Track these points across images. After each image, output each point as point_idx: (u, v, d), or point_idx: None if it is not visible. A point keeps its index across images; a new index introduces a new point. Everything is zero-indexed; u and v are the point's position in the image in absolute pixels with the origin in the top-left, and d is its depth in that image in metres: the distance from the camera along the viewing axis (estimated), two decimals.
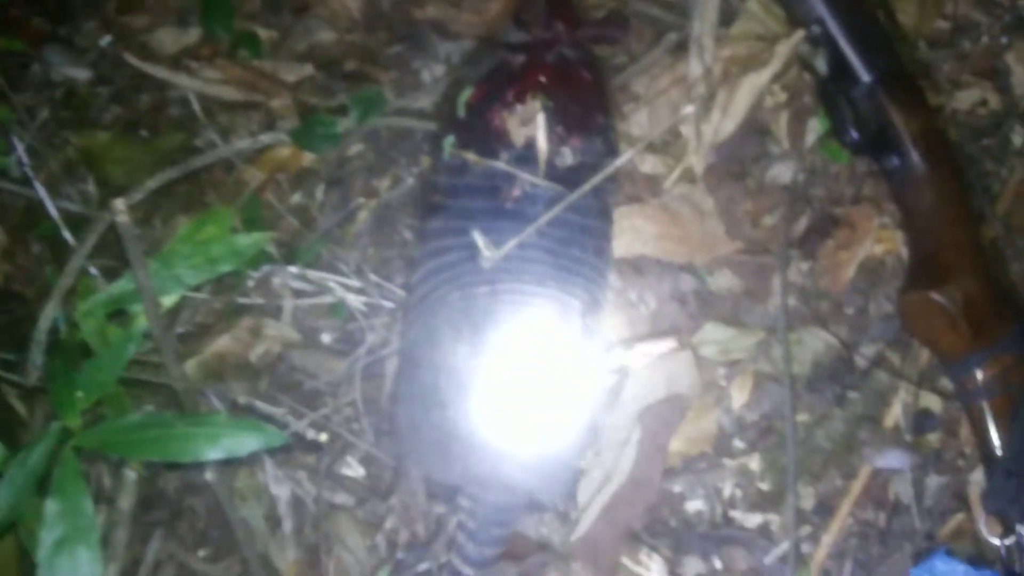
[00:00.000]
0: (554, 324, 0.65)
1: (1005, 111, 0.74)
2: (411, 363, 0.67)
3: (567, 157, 0.68)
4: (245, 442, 0.53)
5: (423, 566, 0.71)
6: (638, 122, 0.78)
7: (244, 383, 0.75)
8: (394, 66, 0.84)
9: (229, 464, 0.71)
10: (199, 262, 0.61)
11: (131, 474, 0.72)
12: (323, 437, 0.54)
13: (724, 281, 0.74)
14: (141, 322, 0.59)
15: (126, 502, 0.72)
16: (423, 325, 0.66)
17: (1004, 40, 0.75)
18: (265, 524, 0.74)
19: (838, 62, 0.67)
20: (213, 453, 0.53)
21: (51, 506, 0.52)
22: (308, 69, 0.85)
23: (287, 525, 0.74)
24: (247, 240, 0.60)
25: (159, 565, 0.75)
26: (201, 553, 0.75)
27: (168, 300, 0.62)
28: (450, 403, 0.64)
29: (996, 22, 0.76)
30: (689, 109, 0.72)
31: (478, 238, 0.65)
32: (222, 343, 0.75)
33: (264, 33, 0.88)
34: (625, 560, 0.68)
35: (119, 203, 0.56)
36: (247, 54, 0.84)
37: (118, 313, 0.65)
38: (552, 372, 0.65)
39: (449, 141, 0.69)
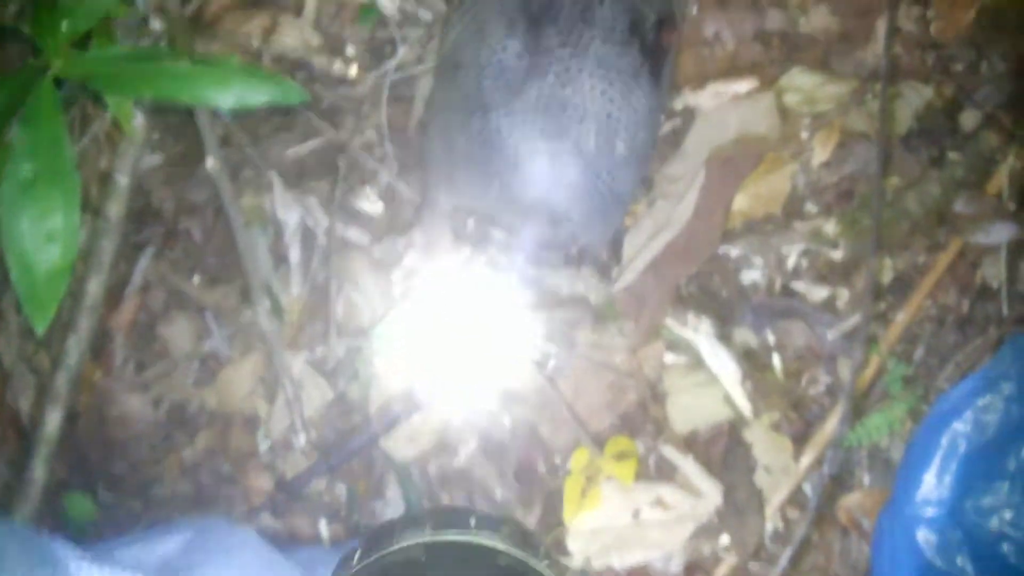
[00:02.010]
0: (625, 30, 0.55)
1: None
2: (451, 66, 0.57)
3: None
4: (260, 91, 0.44)
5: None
6: None
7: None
8: None
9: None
10: None
11: (122, 179, 0.63)
12: (352, 71, 0.45)
13: (819, 20, 0.63)
14: None
15: (115, 209, 0.63)
16: (472, 18, 0.55)
17: None
18: (269, 255, 0.66)
19: None
20: (222, 99, 0.44)
21: (20, 137, 0.43)
22: None
23: (293, 256, 0.66)
24: None
25: (148, 287, 0.68)
26: (196, 279, 0.68)
27: None
28: (492, 114, 0.54)
29: None
30: None
31: None
32: (230, 39, 0.64)
33: None
34: (671, 321, 0.61)
35: None
36: None
37: None
38: (616, 88, 0.55)
39: None
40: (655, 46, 0.57)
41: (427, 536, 0.30)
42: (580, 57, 0.54)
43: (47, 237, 0.44)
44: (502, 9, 0.55)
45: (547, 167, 0.54)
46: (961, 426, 0.52)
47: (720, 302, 0.62)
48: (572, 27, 0.54)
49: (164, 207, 0.68)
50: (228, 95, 0.44)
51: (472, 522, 0.31)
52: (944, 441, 0.52)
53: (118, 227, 0.63)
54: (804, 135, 0.62)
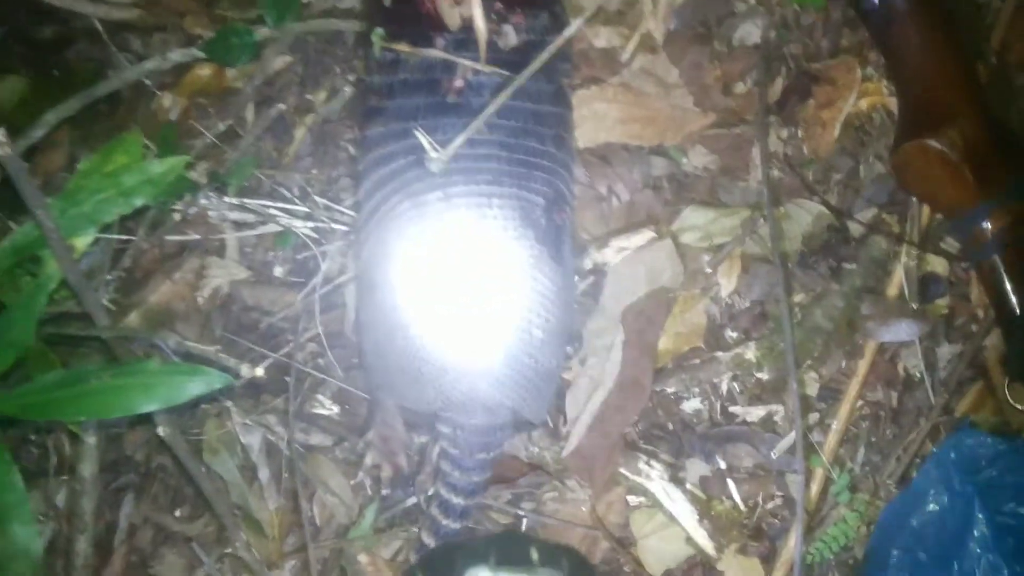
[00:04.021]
0: (517, 225, 0.59)
1: None
2: (368, 286, 0.61)
3: (510, 36, 0.61)
4: (184, 389, 0.48)
5: (411, 500, 0.66)
6: None
7: (194, 329, 0.69)
8: None
9: (182, 416, 0.66)
10: (110, 196, 0.54)
11: (90, 439, 0.67)
12: (259, 372, 0.48)
13: (699, 159, 0.68)
14: (52, 268, 0.53)
15: (88, 469, 0.67)
16: (375, 243, 0.60)
17: None
18: (241, 475, 0.69)
19: None
20: (148, 404, 0.47)
21: None
22: None
23: (263, 474, 0.69)
24: (162, 166, 0.53)
25: (134, 530, 0.71)
26: (178, 513, 0.71)
27: (81, 241, 0.55)
28: (413, 324, 0.58)
29: None
30: None
31: (422, 139, 0.58)
32: (165, 289, 0.69)
33: None
34: (624, 470, 0.64)
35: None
36: None
37: (35, 260, 0.58)
38: (521, 279, 0.59)
39: (378, 34, 0.62)
40: (549, 228, 0.61)
41: (489, 570, 0.30)
42: (483, 262, 0.58)
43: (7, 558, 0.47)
44: (403, 230, 0.59)
45: (474, 366, 0.58)
46: (904, 541, 0.54)
47: (668, 437, 0.65)
48: (470, 236, 0.58)
49: (137, 453, 0.72)
50: (154, 400, 0.47)
51: (534, 556, 0.31)
52: (895, 554, 0.54)
53: (94, 484, 0.66)
54: (708, 269, 0.66)
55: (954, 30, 0.59)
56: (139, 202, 0.54)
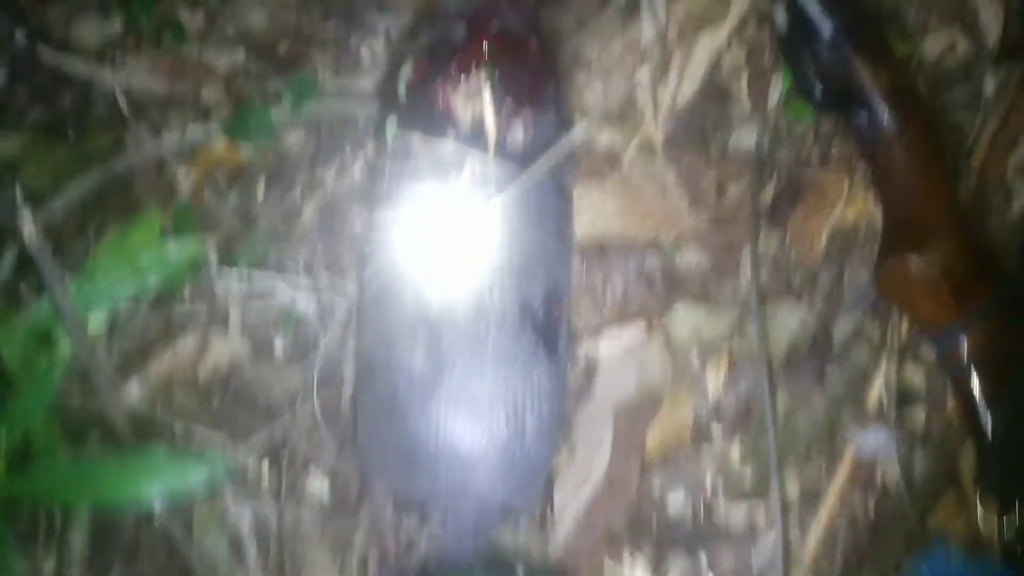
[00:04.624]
0: (515, 316, 0.61)
1: (975, 56, 0.70)
2: (367, 368, 0.63)
3: (518, 133, 0.64)
4: (188, 476, 0.49)
5: None
6: (592, 92, 0.73)
7: (194, 402, 0.70)
8: (331, 45, 0.78)
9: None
10: (126, 274, 0.56)
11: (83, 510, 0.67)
12: (264, 468, 0.50)
13: (692, 257, 0.70)
14: (66, 347, 0.54)
15: (78, 539, 0.67)
16: (377, 326, 0.62)
17: None
18: (230, 553, 0.70)
19: (798, 14, 0.63)
20: (151, 492, 0.49)
21: None
22: (239, 55, 0.79)
23: (251, 552, 0.70)
24: (178, 247, 0.55)
25: None
26: None
27: (96, 319, 0.57)
28: (410, 411, 0.60)
29: None
30: (644, 74, 0.67)
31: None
32: (167, 360, 0.70)
33: (191, 18, 0.82)
34: (608, 561, 0.65)
35: (24, 213, 0.51)
36: (172, 42, 0.78)
37: (47, 338, 0.60)
38: (516, 369, 0.61)
39: (391, 123, 0.65)
40: (547, 320, 0.63)
41: None
42: (480, 351, 0.60)
43: None
44: (403, 314, 0.61)
45: (468, 457, 0.60)
46: None
47: (652, 530, 0.67)
48: (468, 325, 0.60)
49: (125, 520, 0.72)
50: (157, 488, 0.49)
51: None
52: None
53: (83, 555, 0.67)
54: (697, 366, 0.68)
55: (938, 153, 0.63)
56: (154, 280, 0.56)
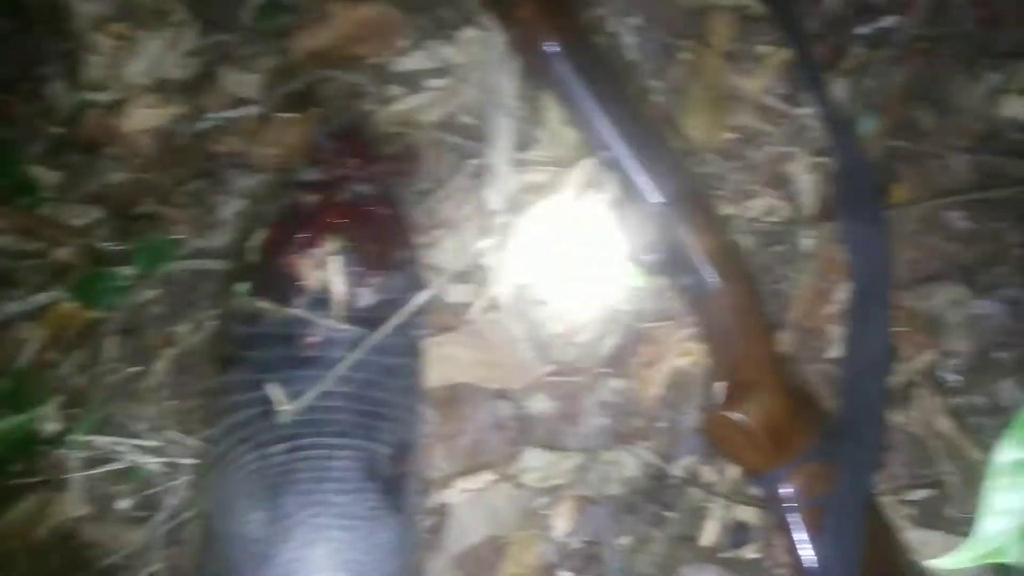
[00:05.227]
0: (361, 476, 0.62)
1: (793, 218, 0.77)
2: (210, 535, 0.63)
3: (367, 297, 0.67)
4: None
5: None
6: (447, 249, 0.77)
7: (33, 564, 0.68)
8: (191, 203, 0.81)
9: None
10: None
11: None
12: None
13: (540, 405, 0.73)
14: None
15: None
16: (218, 493, 0.62)
17: (786, 149, 0.78)
18: None
19: (629, 186, 0.68)
20: None
21: None
22: (97, 212, 0.80)
23: None
24: (6, 425, 0.55)
25: None
26: None
27: None
28: (250, 573, 0.60)
29: (778, 132, 0.79)
30: (488, 240, 0.71)
31: (273, 392, 0.62)
32: (5, 522, 0.68)
33: (52, 175, 0.83)
34: None
35: None
36: (27, 204, 0.79)
37: None
38: (362, 531, 0.61)
39: (242, 289, 0.67)
40: (394, 476, 0.64)
41: None
42: (322, 514, 0.61)
43: None
44: (243, 480, 0.61)
45: None
46: None
47: None
48: (310, 488, 0.61)
49: None
50: None
51: None
52: None
53: None
54: (545, 511, 0.70)
55: (759, 310, 0.68)
56: None
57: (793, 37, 0.77)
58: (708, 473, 0.71)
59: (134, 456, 0.69)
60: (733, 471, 0.70)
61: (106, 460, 0.70)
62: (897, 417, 0.71)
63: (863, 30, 0.79)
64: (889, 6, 0.79)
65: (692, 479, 0.70)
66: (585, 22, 0.70)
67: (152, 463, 0.70)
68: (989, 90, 0.77)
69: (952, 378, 0.73)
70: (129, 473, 0.70)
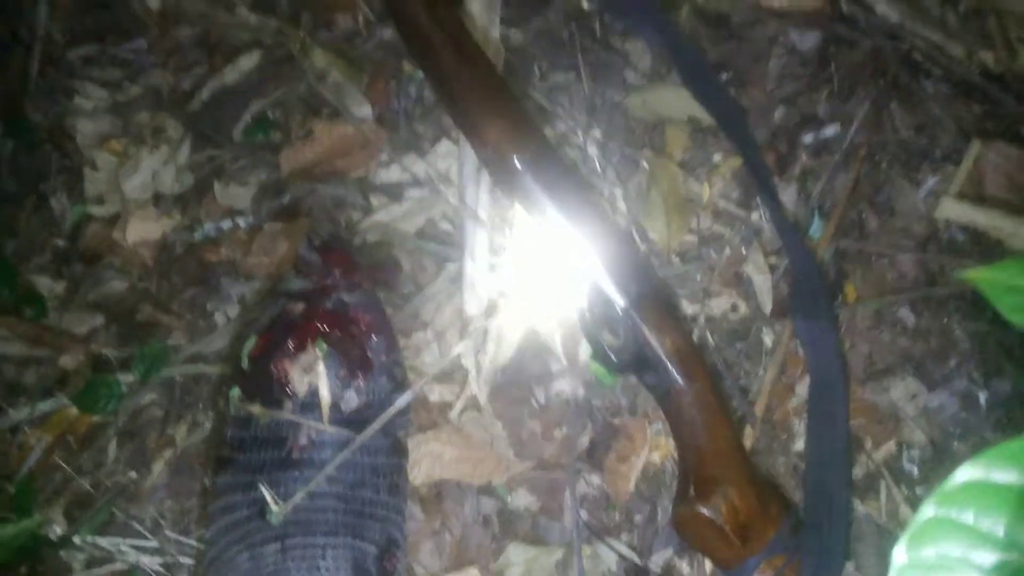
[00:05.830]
0: (350, 574, 0.65)
1: (753, 315, 0.81)
2: None
3: (352, 400, 0.70)
4: None
5: None
6: (429, 351, 0.82)
7: None
8: (188, 310, 0.85)
9: None
10: None
11: None
12: None
13: (522, 500, 0.77)
14: None
15: None
16: None
17: (743, 251, 0.83)
18: None
19: (594, 290, 0.73)
20: None
21: None
22: (99, 320, 0.85)
23: None
24: (13, 530, 0.58)
25: None
26: None
27: None
28: None
29: (734, 234, 0.84)
30: (465, 344, 0.76)
31: (265, 492, 0.66)
32: None
33: (54, 285, 0.88)
34: None
35: None
36: (32, 315, 0.83)
37: None
38: None
39: (235, 393, 0.71)
40: (381, 574, 0.67)
41: None
42: None
43: None
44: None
45: None
46: None
47: None
48: None
49: None
50: None
51: None
52: None
53: None
54: None
55: (723, 406, 0.72)
56: None
57: (743, 146, 0.83)
58: (684, 566, 0.74)
59: (134, 556, 0.72)
60: (708, 564, 0.73)
61: (107, 560, 0.72)
62: (862, 507, 0.74)
63: (808, 139, 0.86)
64: (832, 116, 0.86)
65: (669, 573, 0.73)
66: (548, 138, 0.75)
67: (152, 563, 0.72)
68: (927, 193, 0.83)
69: (912, 468, 0.76)
70: (130, 574, 0.73)
